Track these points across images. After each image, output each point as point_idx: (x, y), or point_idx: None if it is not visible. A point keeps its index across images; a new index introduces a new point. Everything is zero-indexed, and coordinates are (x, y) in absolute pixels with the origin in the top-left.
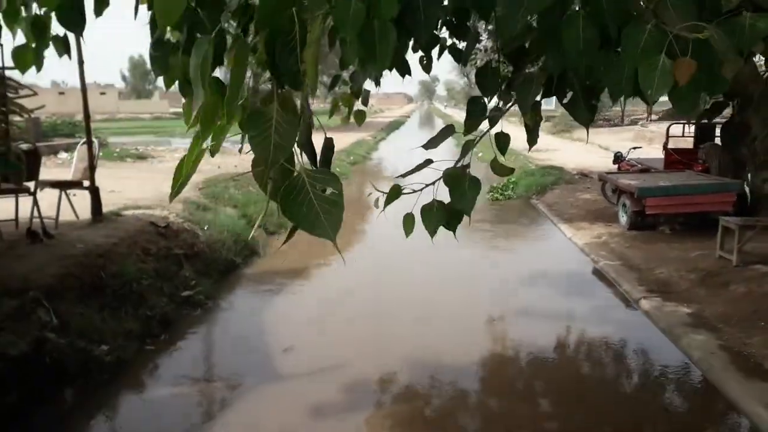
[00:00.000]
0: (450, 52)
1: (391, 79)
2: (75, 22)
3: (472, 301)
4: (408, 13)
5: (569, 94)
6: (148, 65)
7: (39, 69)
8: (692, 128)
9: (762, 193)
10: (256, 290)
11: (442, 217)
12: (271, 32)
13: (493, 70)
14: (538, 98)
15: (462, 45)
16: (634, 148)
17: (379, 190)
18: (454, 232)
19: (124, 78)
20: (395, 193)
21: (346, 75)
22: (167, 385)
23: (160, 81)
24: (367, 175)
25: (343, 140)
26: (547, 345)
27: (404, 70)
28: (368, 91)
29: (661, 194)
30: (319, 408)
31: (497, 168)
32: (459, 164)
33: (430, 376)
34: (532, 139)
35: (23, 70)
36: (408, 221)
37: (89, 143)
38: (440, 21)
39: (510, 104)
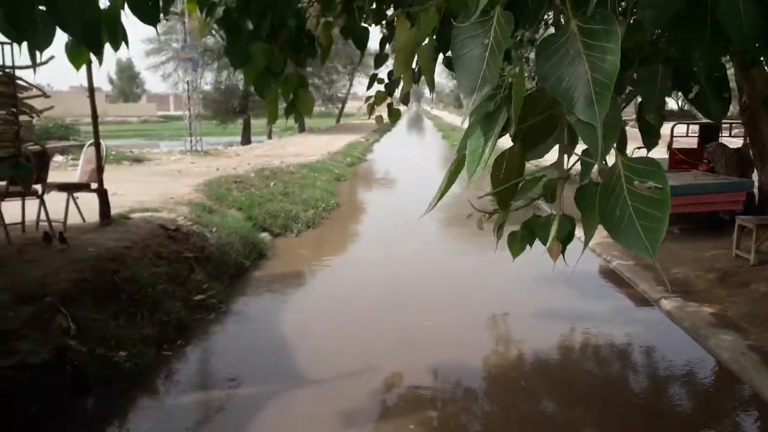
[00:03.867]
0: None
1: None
2: (150, 14)
3: (488, 303)
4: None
5: (695, 89)
6: (136, 68)
7: (101, 63)
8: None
9: None
10: (267, 293)
11: (566, 229)
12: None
13: None
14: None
15: None
16: (638, 148)
17: (479, 210)
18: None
19: (111, 81)
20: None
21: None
22: (188, 392)
23: (149, 84)
24: (366, 177)
25: (336, 142)
26: (571, 345)
27: None
28: (409, 90)
29: (671, 194)
30: (340, 412)
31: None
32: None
33: (453, 381)
34: (652, 141)
35: (78, 67)
36: (517, 241)
37: (97, 145)
38: None
39: (625, 103)
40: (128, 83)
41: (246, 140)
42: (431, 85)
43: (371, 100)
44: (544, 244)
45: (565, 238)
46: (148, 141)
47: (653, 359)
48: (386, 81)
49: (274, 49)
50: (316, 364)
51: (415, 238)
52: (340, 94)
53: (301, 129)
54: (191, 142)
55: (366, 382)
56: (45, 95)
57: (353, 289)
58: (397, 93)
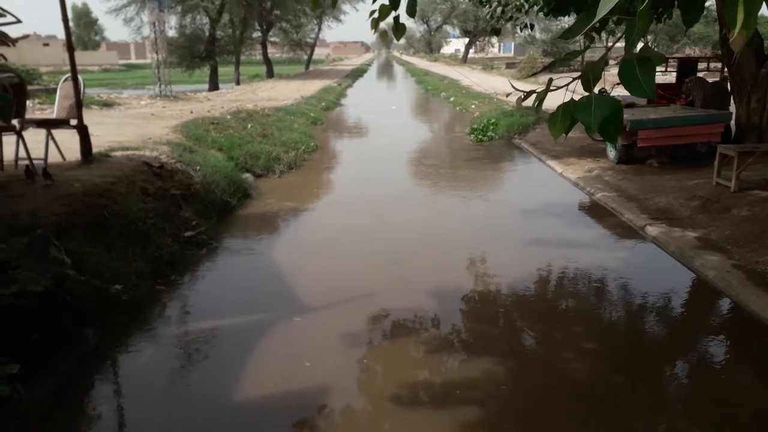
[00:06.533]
0: None
1: (347, 27)
2: None
3: (476, 233)
4: None
5: None
6: (94, 14)
7: None
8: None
9: (747, 123)
10: (256, 230)
11: (606, 110)
12: None
13: None
14: None
15: None
16: (617, 84)
17: (519, 90)
18: (615, 139)
19: None
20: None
21: None
22: (185, 323)
23: (108, 32)
24: (343, 121)
25: (308, 87)
26: (564, 270)
27: None
28: (415, 1)
29: (652, 126)
30: (337, 336)
31: None
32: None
33: (446, 306)
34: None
35: None
36: (557, 122)
37: (74, 79)
38: None
39: None
40: (86, 30)
41: (213, 86)
42: None
43: (375, 14)
44: (586, 126)
45: (610, 116)
46: (111, 90)
47: (643, 281)
48: None
49: None
50: (307, 294)
51: (398, 179)
52: (308, 40)
53: (270, 75)
54: (160, 87)
55: (360, 307)
56: (19, 21)
57: (340, 225)
58: (403, 4)
